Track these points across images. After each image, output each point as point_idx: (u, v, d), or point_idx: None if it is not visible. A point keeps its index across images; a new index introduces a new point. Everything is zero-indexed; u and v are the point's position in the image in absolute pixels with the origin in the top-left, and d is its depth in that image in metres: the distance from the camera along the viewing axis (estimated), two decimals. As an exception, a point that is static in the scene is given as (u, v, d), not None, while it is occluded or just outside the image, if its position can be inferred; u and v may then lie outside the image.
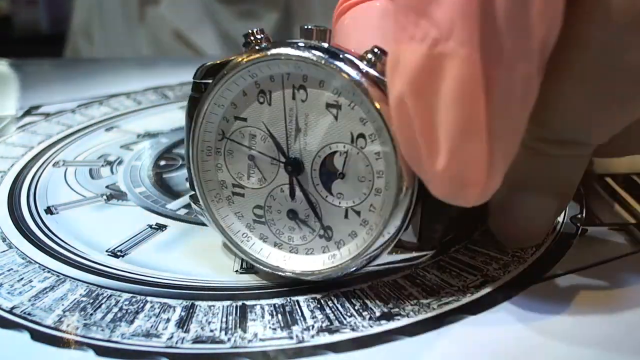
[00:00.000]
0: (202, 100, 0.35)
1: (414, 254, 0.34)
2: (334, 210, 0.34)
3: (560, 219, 0.41)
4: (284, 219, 0.35)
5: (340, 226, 0.34)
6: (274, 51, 0.33)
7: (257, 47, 0.33)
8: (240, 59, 0.34)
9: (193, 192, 0.38)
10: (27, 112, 0.65)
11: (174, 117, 0.64)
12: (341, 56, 0.32)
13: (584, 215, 0.42)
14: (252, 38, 0.34)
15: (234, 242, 0.36)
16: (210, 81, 0.35)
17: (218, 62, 0.35)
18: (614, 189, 0.45)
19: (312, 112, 0.33)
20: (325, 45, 0.33)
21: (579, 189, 0.44)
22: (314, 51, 0.32)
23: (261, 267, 0.36)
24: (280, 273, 0.35)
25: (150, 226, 0.43)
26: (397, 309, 0.33)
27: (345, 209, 0.34)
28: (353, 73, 0.31)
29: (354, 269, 0.34)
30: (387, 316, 0.33)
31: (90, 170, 0.52)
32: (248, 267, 0.38)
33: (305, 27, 0.33)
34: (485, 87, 0.26)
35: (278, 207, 0.36)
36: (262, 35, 0.34)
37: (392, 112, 0.30)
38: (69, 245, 0.40)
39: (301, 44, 0.33)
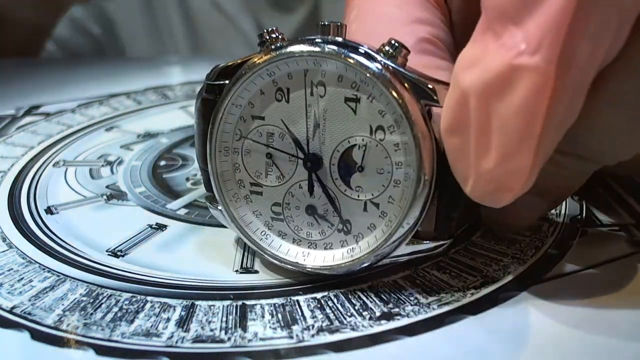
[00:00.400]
0: (220, 101, 0.35)
1: (432, 244, 0.34)
2: (353, 204, 0.35)
3: (560, 220, 0.41)
4: (302, 215, 0.36)
5: (359, 219, 0.35)
6: (292, 48, 0.33)
7: (272, 46, 0.34)
8: (258, 58, 0.34)
9: (209, 194, 0.38)
10: (27, 112, 0.65)
11: (174, 117, 0.64)
12: (359, 50, 0.32)
13: (584, 216, 0.42)
14: (267, 37, 0.34)
15: (252, 240, 0.36)
16: (224, 82, 0.35)
17: (231, 63, 0.35)
18: (614, 189, 0.45)
19: (330, 107, 0.34)
20: (343, 39, 0.33)
21: (579, 189, 0.44)
22: (331, 46, 0.32)
23: (281, 263, 0.36)
24: (299, 269, 0.36)
25: (150, 226, 0.43)
26: (397, 309, 0.33)
27: (364, 201, 0.34)
28: (372, 66, 0.32)
29: (373, 261, 0.34)
30: (387, 316, 0.33)
31: (90, 170, 0.52)
32: (248, 266, 0.38)
33: (322, 23, 0.33)
34: (549, 102, 0.27)
35: (296, 204, 0.36)
36: (277, 34, 0.34)
37: (451, 106, 0.30)
38: (69, 245, 0.40)
39: (319, 40, 0.33)
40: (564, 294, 0.34)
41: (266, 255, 0.36)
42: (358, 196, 0.34)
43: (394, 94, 0.32)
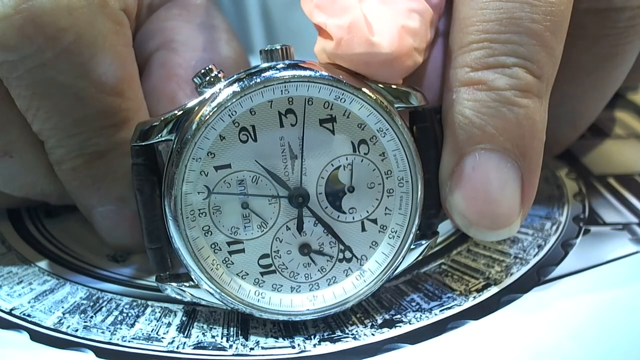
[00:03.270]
0: (175, 159, 0.31)
1: (425, 244, 0.34)
2: (349, 228, 0.33)
3: (563, 219, 0.41)
4: (296, 258, 0.33)
5: (359, 242, 0.33)
6: (257, 79, 0.30)
7: (225, 83, 0.31)
8: (216, 100, 0.31)
9: (163, 274, 0.33)
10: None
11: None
12: (322, 67, 0.31)
13: (586, 215, 0.42)
14: (208, 77, 0.31)
15: (250, 304, 0.32)
16: (164, 139, 0.32)
17: (161, 117, 0.31)
18: (616, 188, 0.45)
19: (306, 134, 0.32)
20: (299, 60, 0.31)
21: (581, 189, 0.44)
22: (295, 70, 0.31)
23: (291, 318, 0.33)
24: (314, 316, 0.33)
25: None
26: (398, 316, 0.33)
27: (361, 222, 0.33)
28: (348, 80, 0.31)
29: (389, 277, 0.33)
30: (389, 323, 0.33)
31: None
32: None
33: (267, 48, 0.31)
34: None
35: (287, 248, 0.33)
36: (216, 72, 0.31)
37: None
38: (69, 248, 0.40)
39: (280, 65, 0.31)
40: (567, 294, 0.34)
41: (273, 317, 0.33)
42: (353, 218, 0.33)
43: (377, 103, 0.31)
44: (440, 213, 0.34)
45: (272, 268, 0.33)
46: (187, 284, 0.32)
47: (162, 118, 0.31)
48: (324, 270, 0.33)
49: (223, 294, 0.32)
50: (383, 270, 0.33)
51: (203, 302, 0.33)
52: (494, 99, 0.32)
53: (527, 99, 0.32)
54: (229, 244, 0.32)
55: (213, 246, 0.32)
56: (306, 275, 0.33)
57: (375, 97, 0.31)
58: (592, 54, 0.38)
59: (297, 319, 0.33)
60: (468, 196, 0.32)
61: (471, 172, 0.32)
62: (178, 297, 0.33)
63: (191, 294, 0.33)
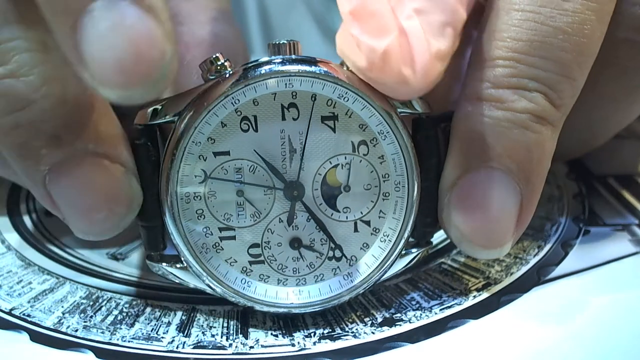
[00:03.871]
0: (175, 140, 0.31)
1: (416, 253, 0.34)
2: (342, 227, 0.33)
3: (563, 219, 0.41)
4: (286, 251, 0.33)
5: (351, 242, 0.33)
6: (260, 71, 0.31)
7: (229, 72, 0.31)
8: (218, 86, 0.31)
9: (155, 253, 0.34)
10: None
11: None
12: (329, 65, 0.31)
13: (586, 215, 0.42)
14: (216, 65, 0.31)
15: (235, 291, 0.33)
16: (166, 121, 0.32)
17: (164, 100, 0.32)
18: (616, 189, 0.45)
19: (306, 129, 0.32)
20: (307, 57, 0.31)
21: (581, 189, 0.44)
22: (300, 65, 0.31)
23: (274, 309, 0.33)
24: (297, 310, 0.33)
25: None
26: (399, 314, 0.33)
27: (354, 222, 0.33)
28: (351, 80, 0.31)
29: (376, 281, 0.33)
30: (389, 322, 0.33)
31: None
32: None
33: (275, 42, 0.31)
34: None
35: (278, 240, 0.33)
36: (222, 61, 0.31)
37: None
38: (68, 247, 0.40)
39: (280, 60, 0.31)
40: (567, 294, 0.34)
41: (255, 305, 0.33)
42: (347, 217, 0.33)
43: (378, 105, 0.31)
44: (437, 223, 0.34)
45: (261, 258, 0.33)
46: (178, 265, 0.33)
47: (166, 100, 0.32)
48: (312, 266, 0.33)
49: (210, 278, 0.32)
50: (371, 272, 0.33)
51: (191, 286, 0.33)
52: (509, 119, 0.31)
53: (541, 125, 0.32)
54: (220, 229, 0.33)
55: (205, 230, 0.32)
56: (294, 269, 0.33)
57: (378, 100, 0.31)
58: (620, 84, 0.38)
59: (280, 311, 0.33)
60: (465, 211, 0.32)
61: (473, 188, 0.32)
62: (166, 277, 0.33)
63: (179, 277, 0.33)
